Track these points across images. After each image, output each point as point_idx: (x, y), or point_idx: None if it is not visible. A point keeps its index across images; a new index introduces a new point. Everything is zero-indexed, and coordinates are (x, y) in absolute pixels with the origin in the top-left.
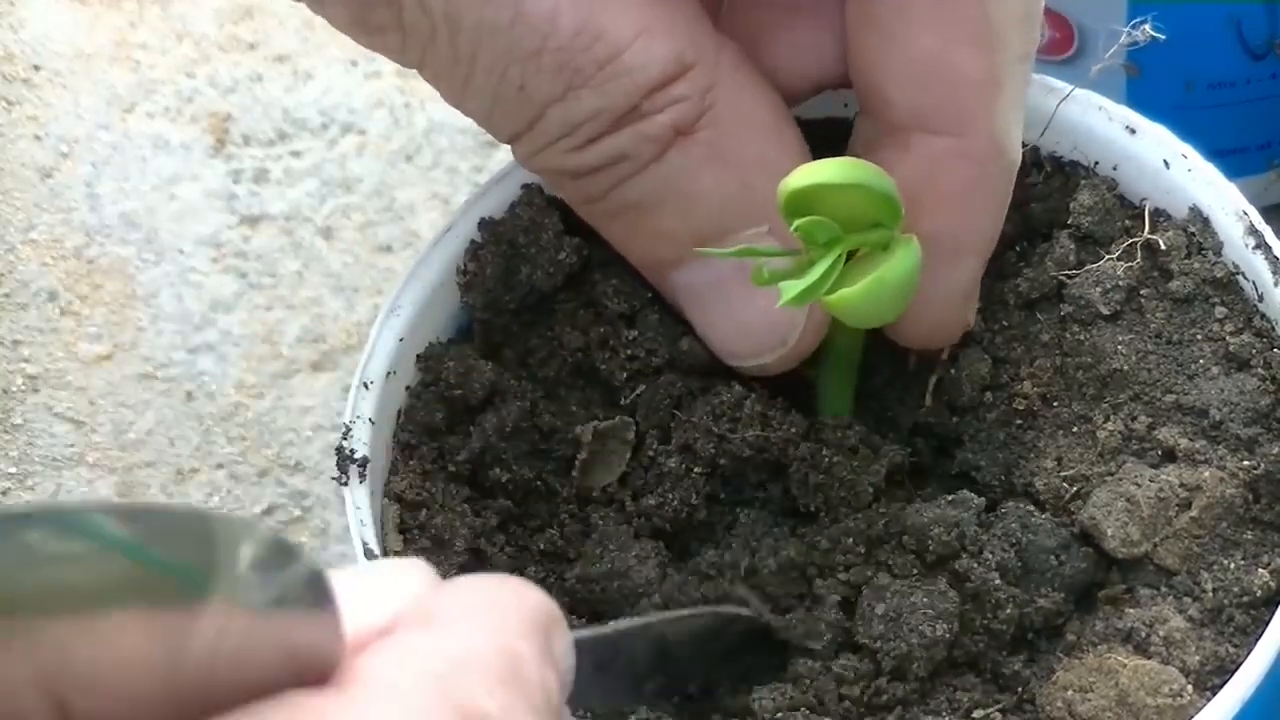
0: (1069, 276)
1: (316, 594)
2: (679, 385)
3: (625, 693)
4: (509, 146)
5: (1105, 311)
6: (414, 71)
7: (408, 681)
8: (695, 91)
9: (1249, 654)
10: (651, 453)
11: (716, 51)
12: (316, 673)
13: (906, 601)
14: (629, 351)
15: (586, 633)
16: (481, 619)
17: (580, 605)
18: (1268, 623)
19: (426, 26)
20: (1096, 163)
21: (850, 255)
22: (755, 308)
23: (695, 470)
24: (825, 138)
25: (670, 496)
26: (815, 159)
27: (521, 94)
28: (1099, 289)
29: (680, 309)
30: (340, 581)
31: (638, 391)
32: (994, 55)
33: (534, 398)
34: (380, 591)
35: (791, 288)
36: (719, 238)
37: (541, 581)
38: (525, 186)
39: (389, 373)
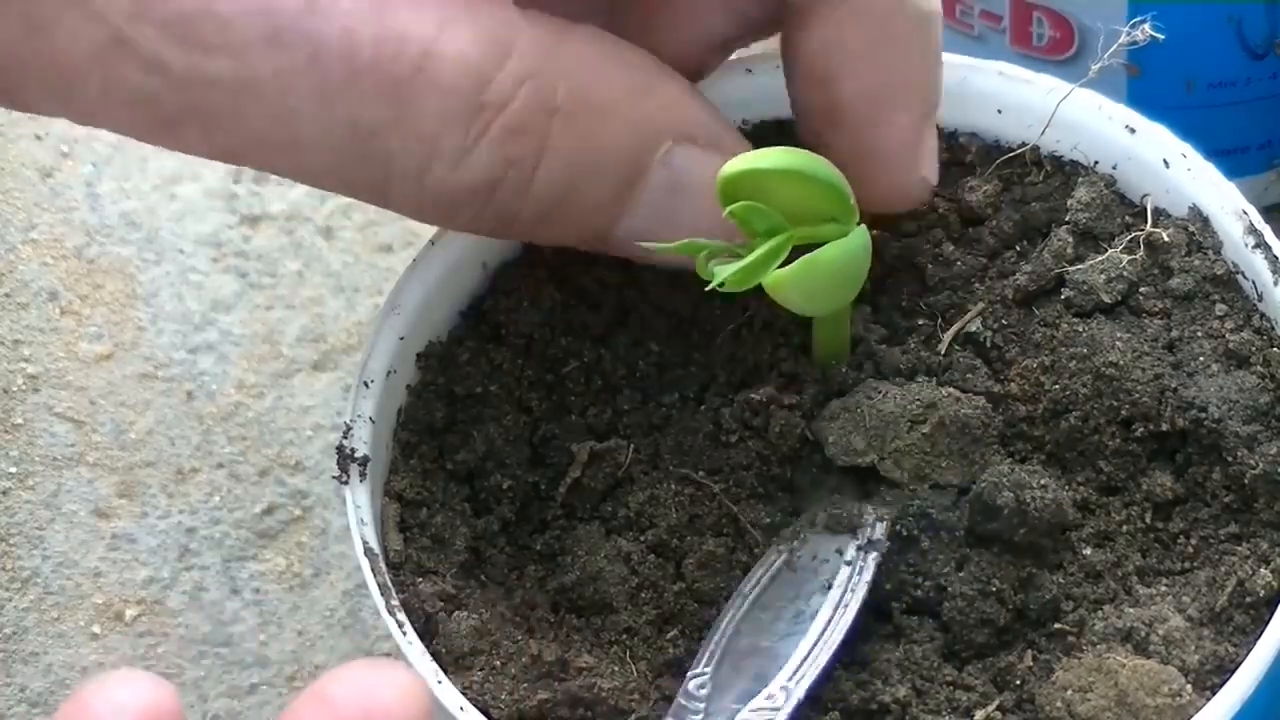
0: (1068, 269)
1: None
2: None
3: None
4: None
5: (1107, 299)
6: None
7: None
8: (535, 68)
9: (1249, 654)
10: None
11: (536, 24)
12: None
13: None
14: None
15: None
16: None
17: (568, 608)
18: (1268, 623)
19: (228, 102)
20: (1096, 162)
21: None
22: (696, 210)
23: (672, 488)
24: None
25: (649, 509)
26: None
27: (360, 131)
28: (1103, 276)
29: (632, 255)
30: None
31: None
32: None
33: (532, 401)
34: None
35: (724, 271)
36: (639, 177)
37: (540, 582)
38: None
39: (389, 371)
